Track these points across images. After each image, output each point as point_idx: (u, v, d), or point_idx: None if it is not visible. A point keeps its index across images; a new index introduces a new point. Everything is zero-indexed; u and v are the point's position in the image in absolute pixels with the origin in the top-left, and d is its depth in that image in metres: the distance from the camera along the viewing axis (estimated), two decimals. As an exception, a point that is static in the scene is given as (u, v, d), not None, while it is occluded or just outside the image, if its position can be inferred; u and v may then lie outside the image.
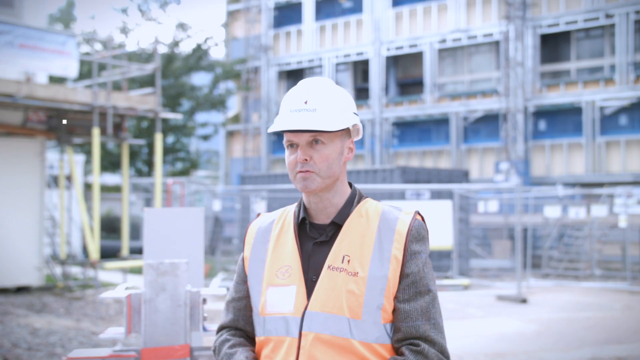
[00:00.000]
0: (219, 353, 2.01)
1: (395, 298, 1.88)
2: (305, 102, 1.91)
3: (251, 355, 1.95)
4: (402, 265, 1.88)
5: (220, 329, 2.09)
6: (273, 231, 2.03)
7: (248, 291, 2.03)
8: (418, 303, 1.88)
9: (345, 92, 2.00)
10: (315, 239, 1.95)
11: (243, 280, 2.05)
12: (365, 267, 1.88)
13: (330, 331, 1.85)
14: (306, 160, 1.90)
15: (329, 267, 1.89)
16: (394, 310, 1.88)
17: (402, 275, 1.88)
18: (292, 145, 1.93)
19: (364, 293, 1.85)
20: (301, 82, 1.99)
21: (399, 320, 1.87)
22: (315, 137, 1.90)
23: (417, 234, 1.92)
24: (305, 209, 1.99)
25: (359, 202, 1.99)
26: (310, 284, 1.90)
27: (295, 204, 2.05)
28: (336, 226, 1.95)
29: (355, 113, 2.00)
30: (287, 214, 2.05)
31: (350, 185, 2.03)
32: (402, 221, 1.93)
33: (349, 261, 1.89)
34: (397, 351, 1.89)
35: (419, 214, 1.97)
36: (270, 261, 1.98)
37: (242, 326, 2.04)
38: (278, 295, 1.92)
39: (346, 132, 1.98)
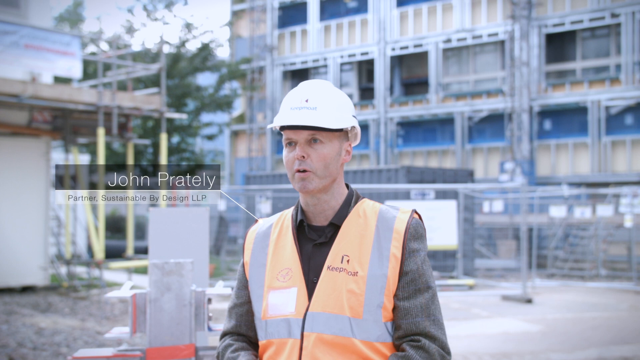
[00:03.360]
0: (222, 358, 2.02)
1: (395, 296, 1.89)
2: (306, 101, 1.93)
3: (253, 358, 1.95)
4: (401, 263, 1.89)
5: (223, 335, 2.10)
6: (272, 235, 2.04)
7: (249, 296, 2.03)
8: (418, 300, 1.88)
9: (345, 95, 2.02)
10: (314, 240, 1.96)
11: (244, 285, 2.05)
12: (365, 267, 1.88)
13: (332, 331, 1.85)
14: (303, 157, 1.91)
15: (328, 267, 1.90)
16: (394, 308, 1.89)
17: (402, 273, 1.89)
18: (290, 143, 1.95)
19: (364, 292, 1.87)
20: (302, 83, 2.02)
21: (400, 317, 1.88)
22: (314, 135, 1.92)
23: (415, 232, 1.93)
24: (302, 211, 2.00)
25: (356, 202, 2.00)
26: (311, 286, 1.91)
27: (292, 207, 2.06)
28: (335, 227, 1.96)
29: (354, 116, 2.01)
30: (285, 217, 2.06)
31: (347, 186, 2.04)
32: (400, 219, 1.94)
33: (348, 261, 1.90)
34: (397, 348, 1.89)
35: (416, 212, 1.98)
36: (271, 265, 1.99)
37: (244, 332, 2.04)
38: (279, 298, 1.93)
39: (344, 134, 2.00)
